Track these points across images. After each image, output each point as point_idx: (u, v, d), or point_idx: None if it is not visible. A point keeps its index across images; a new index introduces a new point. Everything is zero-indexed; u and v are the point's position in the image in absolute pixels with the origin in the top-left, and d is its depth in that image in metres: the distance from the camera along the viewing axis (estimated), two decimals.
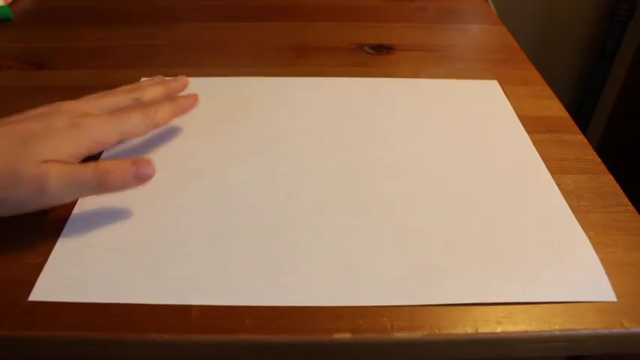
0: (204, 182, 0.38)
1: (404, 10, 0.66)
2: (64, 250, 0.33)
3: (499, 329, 0.29)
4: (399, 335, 0.29)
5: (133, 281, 0.31)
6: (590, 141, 0.43)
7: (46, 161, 0.32)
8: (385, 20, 0.63)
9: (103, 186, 0.33)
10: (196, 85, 0.49)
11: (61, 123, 0.34)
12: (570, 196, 0.38)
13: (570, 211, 0.36)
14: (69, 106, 0.37)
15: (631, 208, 0.37)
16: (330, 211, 0.36)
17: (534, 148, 0.42)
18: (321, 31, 0.60)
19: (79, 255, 0.33)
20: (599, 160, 0.41)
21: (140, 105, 0.39)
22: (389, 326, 0.29)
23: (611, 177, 0.40)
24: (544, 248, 0.34)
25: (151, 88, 0.42)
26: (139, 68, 0.52)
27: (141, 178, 0.34)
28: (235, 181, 0.38)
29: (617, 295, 0.31)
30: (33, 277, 0.31)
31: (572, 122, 0.45)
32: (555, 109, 0.47)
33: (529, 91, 0.50)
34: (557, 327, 0.29)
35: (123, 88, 0.41)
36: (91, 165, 0.33)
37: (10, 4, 0.63)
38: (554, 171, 0.40)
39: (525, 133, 0.44)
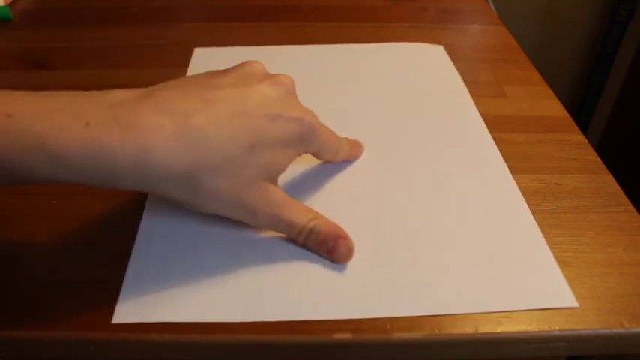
0: None
1: (404, 10, 0.65)
2: (139, 269, 0.31)
3: (499, 329, 0.29)
4: (399, 335, 0.29)
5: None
6: (590, 141, 0.43)
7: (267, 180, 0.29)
8: (385, 20, 0.63)
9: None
10: None
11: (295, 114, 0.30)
12: (570, 196, 0.38)
13: (528, 210, 0.36)
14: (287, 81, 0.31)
15: (631, 208, 0.37)
16: None
17: (483, 122, 0.43)
18: (321, 31, 0.60)
19: (154, 274, 0.31)
20: (599, 160, 0.41)
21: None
22: (389, 326, 0.29)
23: (611, 177, 0.40)
24: (501, 252, 0.33)
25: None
26: (138, 68, 0.52)
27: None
28: None
29: (617, 295, 0.31)
30: (33, 276, 0.31)
31: (572, 122, 0.45)
32: (555, 109, 0.47)
33: (529, 91, 0.50)
34: (557, 327, 0.29)
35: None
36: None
37: (10, 4, 0.63)
38: (554, 171, 0.40)
39: (470, 97, 0.46)
